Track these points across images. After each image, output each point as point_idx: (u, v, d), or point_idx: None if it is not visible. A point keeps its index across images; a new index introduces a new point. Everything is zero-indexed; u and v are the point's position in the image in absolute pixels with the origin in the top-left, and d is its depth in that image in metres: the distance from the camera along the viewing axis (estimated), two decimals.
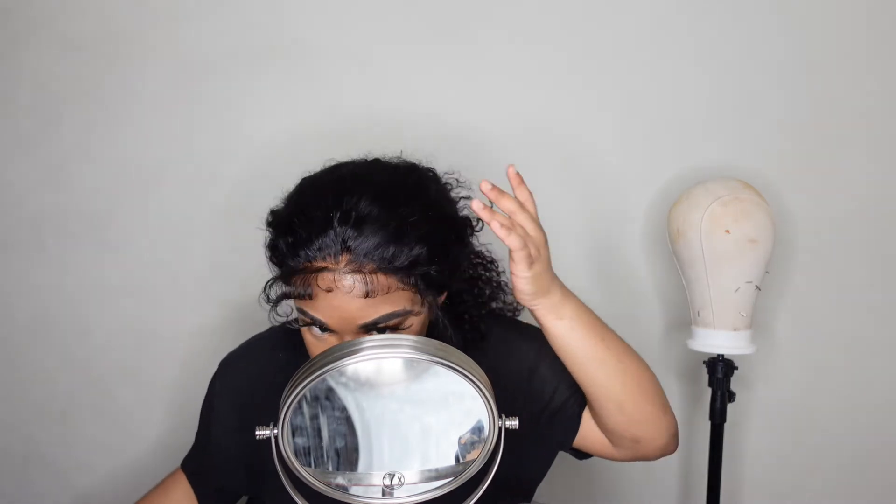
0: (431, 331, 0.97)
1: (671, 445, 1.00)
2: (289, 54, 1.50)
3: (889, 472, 1.55)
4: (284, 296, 0.88)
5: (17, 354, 1.58)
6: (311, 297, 0.85)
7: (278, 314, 0.94)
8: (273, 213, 0.92)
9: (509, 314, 1.11)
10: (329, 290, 0.84)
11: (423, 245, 0.86)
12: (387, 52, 1.50)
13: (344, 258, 0.84)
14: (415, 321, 0.90)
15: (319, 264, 0.84)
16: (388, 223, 0.84)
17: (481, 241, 1.06)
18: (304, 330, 0.91)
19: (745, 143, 1.50)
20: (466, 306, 1.03)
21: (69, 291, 1.56)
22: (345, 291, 0.84)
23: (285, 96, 1.51)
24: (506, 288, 1.10)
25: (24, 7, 1.51)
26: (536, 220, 0.87)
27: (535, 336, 1.01)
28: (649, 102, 1.50)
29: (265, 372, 1.05)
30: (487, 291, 1.08)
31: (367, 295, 0.84)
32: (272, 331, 1.10)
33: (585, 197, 1.52)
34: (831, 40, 1.48)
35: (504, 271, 1.08)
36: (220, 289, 1.54)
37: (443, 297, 0.95)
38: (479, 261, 1.09)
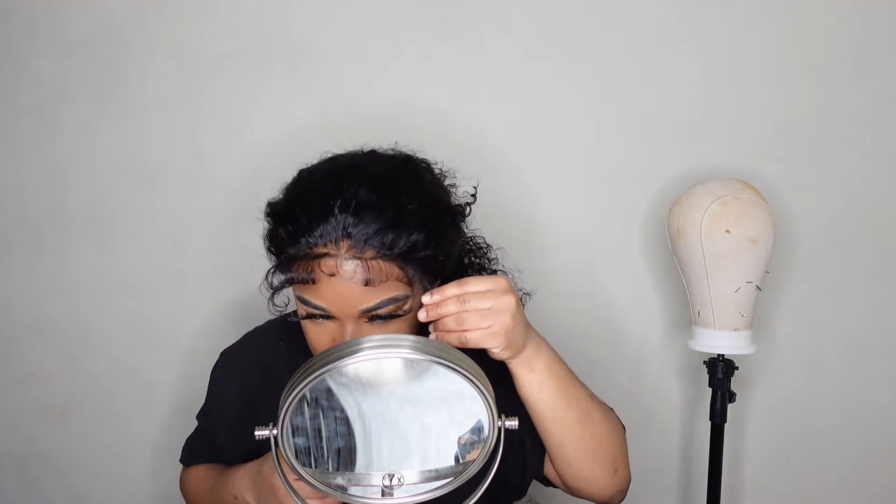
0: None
1: (614, 500, 1.01)
2: (288, 54, 1.50)
3: (889, 472, 1.55)
4: (288, 282, 0.88)
5: (17, 354, 1.58)
6: (313, 281, 0.86)
7: (276, 305, 0.95)
8: (271, 204, 0.93)
9: None
10: (332, 275, 0.85)
11: (420, 231, 0.87)
12: (387, 52, 1.50)
13: (345, 244, 0.85)
14: (412, 305, 0.90)
15: (321, 250, 0.85)
16: (387, 210, 0.86)
17: (471, 227, 1.08)
18: (304, 321, 0.92)
19: (745, 143, 1.50)
20: None
21: (69, 291, 1.56)
22: (346, 277, 0.85)
23: (285, 96, 1.51)
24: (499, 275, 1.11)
25: (24, 7, 1.51)
26: (488, 295, 0.86)
27: None
28: (649, 102, 1.50)
29: (265, 358, 1.08)
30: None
31: (367, 283, 0.85)
32: (270, 323, 1.12)
33: (585, 197, 1.52)
34: (831, 41, 1.48)
35: (496, 258, 1.11)
36: (220, 289, 1.54)
37: (438, 283, 0.95)
38: (470, 247, 1.10)
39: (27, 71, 1.52)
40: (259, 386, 1.07)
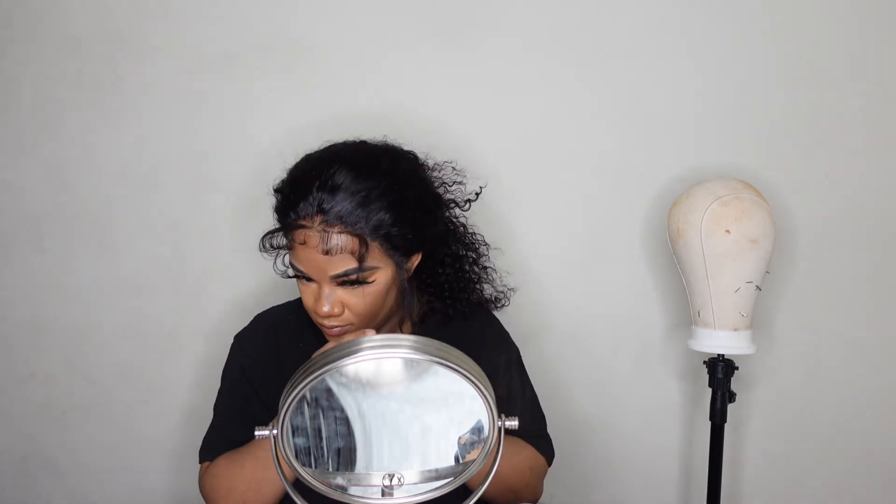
0: (400, 292, 1.10)
1: None
2: (288, 55, 1.50)
3: (889, 472, 1.55)
4: (273, 246, 1.06)
5: (17, 354, 1.58)
6: (290, 248, 1.04)
7: (278, 267, 1.11)
8: (281, 181, 1.10)
9: (500, 303, 1.27)
10: (303, 244, 1.01)
11: (386, 212, 1.01)
12: (387, 53, 1.50)
13: (318, 218, 1.00)
14: (380, 276, 1.04)
15: (300, 222, 1.01)
16: (357, 193, 1.00)
17: (470, 223, 1.23)
18: (297, 280, 1.08)
19: (745, 143, 1.50)
20: (447, 278, 1.18)
21: (69, 291, 1.55)
22: (312, 246, 1.00)
23: (285, 97, 1.51)
24: (492, 274, 1.25)
25: (24, 7, 1.51)
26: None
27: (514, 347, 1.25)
28: (649, 103, 1.50)
29: (276, 334, 1.19)
30: (474, 272, 1.23)
31: (327, 252, 0.99)
32: (275, 307, 1.25)
33: (585, 197, 1.52)
34: (830, 41, 1.48)
35: (487, 256, 1.25)
36: (220, 289, 1.54)
37: (414, 260, 1.10)
38: (465, 239, 1.23)
39: (27, 71, 1.52)
40: (274, 359, 1.16)
